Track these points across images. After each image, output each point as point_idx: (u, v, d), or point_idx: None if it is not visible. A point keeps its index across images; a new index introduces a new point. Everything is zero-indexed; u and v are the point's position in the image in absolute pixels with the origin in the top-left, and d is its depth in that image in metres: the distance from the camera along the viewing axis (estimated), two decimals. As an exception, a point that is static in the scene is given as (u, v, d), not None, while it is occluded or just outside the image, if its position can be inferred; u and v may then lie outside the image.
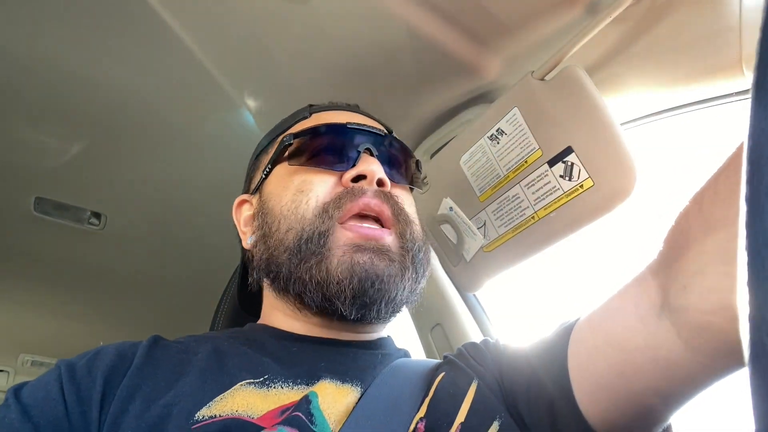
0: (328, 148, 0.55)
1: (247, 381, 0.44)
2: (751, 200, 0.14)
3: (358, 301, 0.48)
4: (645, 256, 0.39)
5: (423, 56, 0.69)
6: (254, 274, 0.57)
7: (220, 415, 0.40)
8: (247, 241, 0.58)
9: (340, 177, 0.53)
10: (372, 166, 0.53)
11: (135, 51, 0.71)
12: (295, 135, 0.57)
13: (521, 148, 0.65)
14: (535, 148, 0.64)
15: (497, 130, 0.68)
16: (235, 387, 0.43)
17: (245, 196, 0.61)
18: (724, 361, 0.34)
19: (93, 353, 0.46)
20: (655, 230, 0.39)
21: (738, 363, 0.33)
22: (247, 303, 0.66)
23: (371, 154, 0.55)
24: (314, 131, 0.57)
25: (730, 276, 0.30)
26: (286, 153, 0.56)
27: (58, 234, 1.09)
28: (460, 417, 0.43)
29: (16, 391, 0.43)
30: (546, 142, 0.63)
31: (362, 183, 0.53)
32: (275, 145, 0.59)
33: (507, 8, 0.60)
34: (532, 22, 0.62)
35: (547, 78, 0.63)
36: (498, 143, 0.68)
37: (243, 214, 0.60)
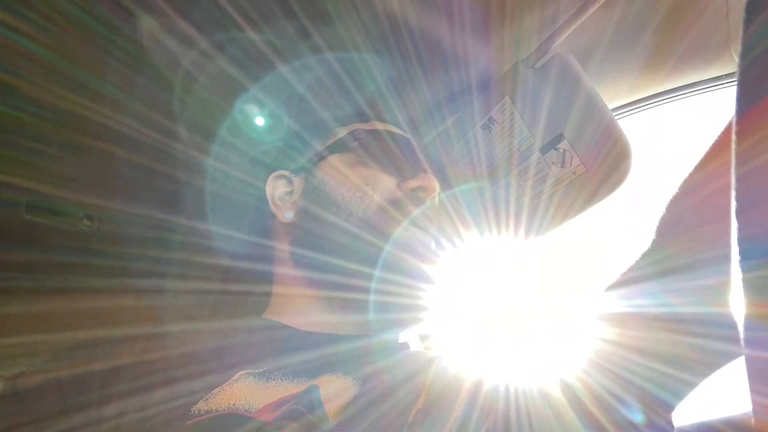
0: (397, 154, 0.59)
1: (247, 372, 0.44)
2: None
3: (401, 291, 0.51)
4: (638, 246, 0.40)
5: (411, 46, 0.69)
6: (284, 247, 0.58)
7: (217, 410, 0.41)
8: (284, 216, 0.58)
9: (401, 183, 0.57)
10: (433, 183, 0.58)
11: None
12: (367, 131, 0.60)
13: (513, 136, 0.65)
14: (527, 136, 0.64)
15: (489, 119, 0.68)
16: (233, 378, 0.44)
17: (284, 172, 0.60)
18: None
19: (92, 343, 0.47)
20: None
21: None
22: (242, 298, 0.67)
23: (430, 172, 0.60)
24: (387, 135, 0.60)
25: None
26: (354, 143, 0.59)
27: (52, 236, 1.08)
28: (457, 410, 0.43)
29: (13, 379, 0.43)
30: (538, 130, 0.63)
31: (421, 195, 0.57)
32: (335, 134, 0.60)
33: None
34: (522, 9, 0.61)
35: (537, 65, 0.63)
36: (490, 132, 0.68)
37: (279, 189, 0.60)
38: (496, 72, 0.72)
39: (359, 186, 0.55)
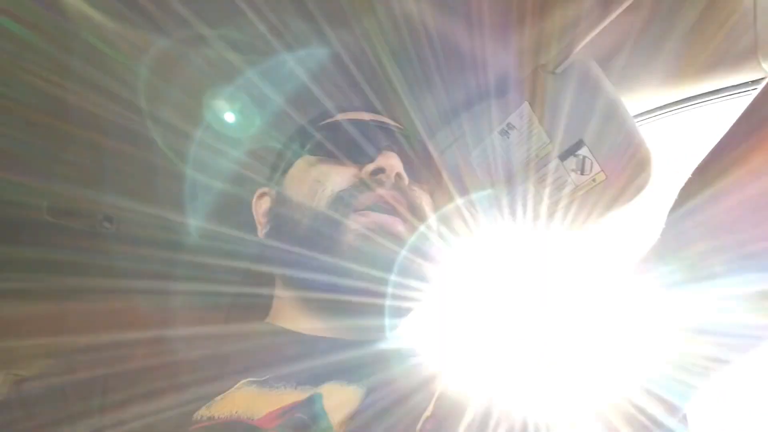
0: (349, 143, 0.56)
1: (249, 380, 0.44)
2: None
3: (365, 281, 0.49)
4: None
5: (430, 51, 0.69)
6: (267, 265, 0.58)
7: (218, 417, 0.40)
8: (262, 232, 0.58)
9: (360, 170, 0.55)
10: (391, 161, 0.55)
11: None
12: (318, 128, 0.58)
13: (532, 142, 0.64)
14: (546, 142, 0.63)
15: (507, 125, 0.67)
16: (236, 386, 0.43)
17: (265, 189, 0.62)
18: None
19: (95, 346, 0.47)
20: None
21: None
22: (255, 301, 0.66)
23: (392, 151, 0.57)
24: (337, 125, 0.58)
25: None
26: (308, 146, 0.58)
27: (65, 237, 1.10)
28: (467, 417, 0.42)
29: (17, 384, 0.43)
30: (557, 136, 0.62)
31: (381, 176, 0.54)
32: (298, 139, 0.61)
33: (516, 1, 0.59)
34: (542, 14, 0.61)
35: (557, 71, 0.62)
36: (508, 138, 0.67)
37: (262, 207, 0.61)
38: (515, 77, 0.72)
39: (313, 184, 0.54)
